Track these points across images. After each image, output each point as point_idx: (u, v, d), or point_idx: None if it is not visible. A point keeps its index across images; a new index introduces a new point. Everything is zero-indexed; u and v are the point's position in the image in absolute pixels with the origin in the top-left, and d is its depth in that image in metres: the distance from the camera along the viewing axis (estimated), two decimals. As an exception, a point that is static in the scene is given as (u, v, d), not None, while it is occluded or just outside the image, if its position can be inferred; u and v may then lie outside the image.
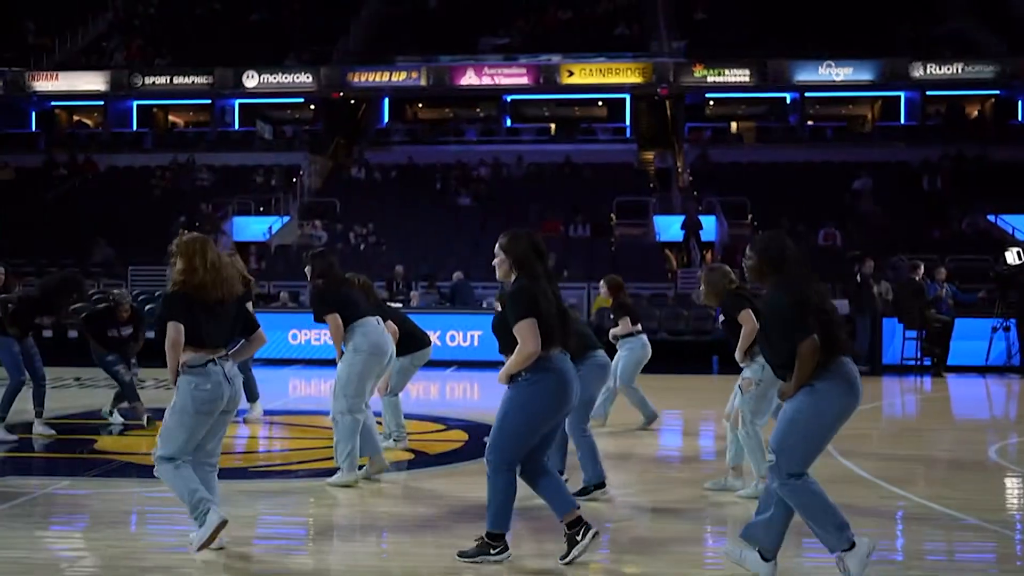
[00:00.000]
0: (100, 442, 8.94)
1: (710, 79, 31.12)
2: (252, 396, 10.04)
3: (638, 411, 9.82)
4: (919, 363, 15.91)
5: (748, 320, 6.55)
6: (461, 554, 5.19)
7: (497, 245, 5.18)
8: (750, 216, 26.13)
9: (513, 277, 5.10)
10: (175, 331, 5.14)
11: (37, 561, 5.36)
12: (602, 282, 9.65)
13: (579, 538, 5.07)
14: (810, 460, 4.70)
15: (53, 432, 9.09)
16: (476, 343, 16.74)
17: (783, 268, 4.73)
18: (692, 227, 24.38)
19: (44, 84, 32.83)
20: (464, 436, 9.10)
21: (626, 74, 31.30)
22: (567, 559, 5.08)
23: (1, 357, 9.14)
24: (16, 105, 34.25)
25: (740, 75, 30.99)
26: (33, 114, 35.13)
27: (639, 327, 9.39)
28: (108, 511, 6.38)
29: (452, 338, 16.67)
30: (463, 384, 14.78)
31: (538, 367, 4.99)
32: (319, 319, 7.19)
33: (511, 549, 5.18)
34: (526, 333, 4.92)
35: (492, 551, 5.11)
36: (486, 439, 5.17)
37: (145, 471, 5.71)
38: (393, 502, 6.76)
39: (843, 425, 4.73)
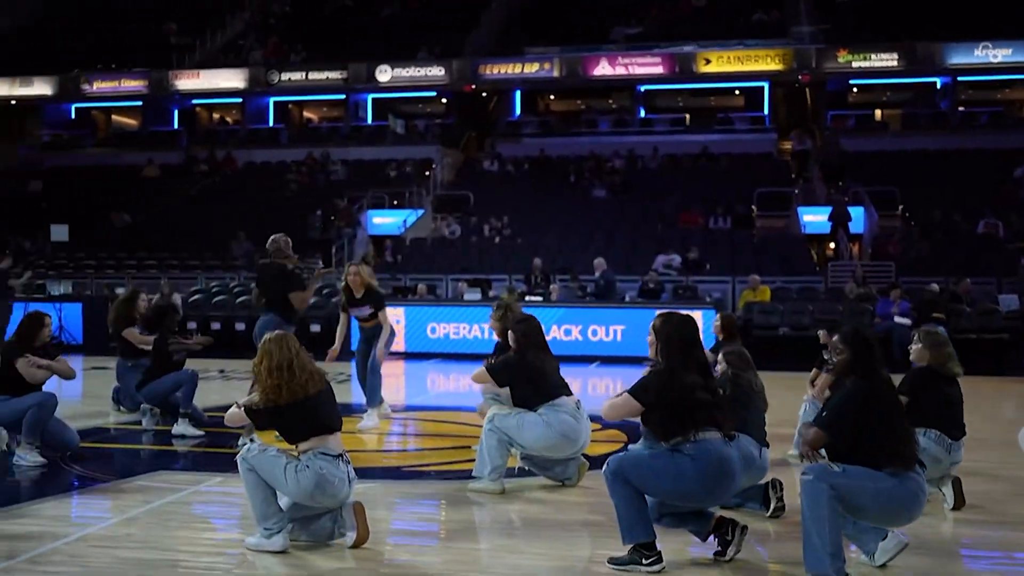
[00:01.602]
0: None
1: (855, 64, 29.74)
2: (372, 401, 9.50)
3: None
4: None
5: None
6: (612, 560, 4.92)
7: (651, 325, 5.13)
8: (900, 207, 24.87)
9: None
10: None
11: (192, 565, 5.08)
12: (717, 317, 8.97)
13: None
14: (854, 505, 4.63)
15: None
16: (619, 338, 16.17)
17: (870, 374, 4.73)
18: (840, 219, 23.24)
19: (186, 83, 33.64)
20: (623, 437, 8.55)
21: (765, 61, 30.19)
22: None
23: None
24: (160, 104, 35.26)
25: (887, 59, 29.51)
26: (176, 112, 36.12)
27: None
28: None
29: (594, 332, 16.15)
30: (606, 381, 14.22)
31: (694, 445, 4.80)
32: (501, 383, 6.78)
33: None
34: (620, 405, 4.97)
35: (644, 560, 4.83)
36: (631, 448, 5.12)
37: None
38: (554, 507, 6.29)
39: None
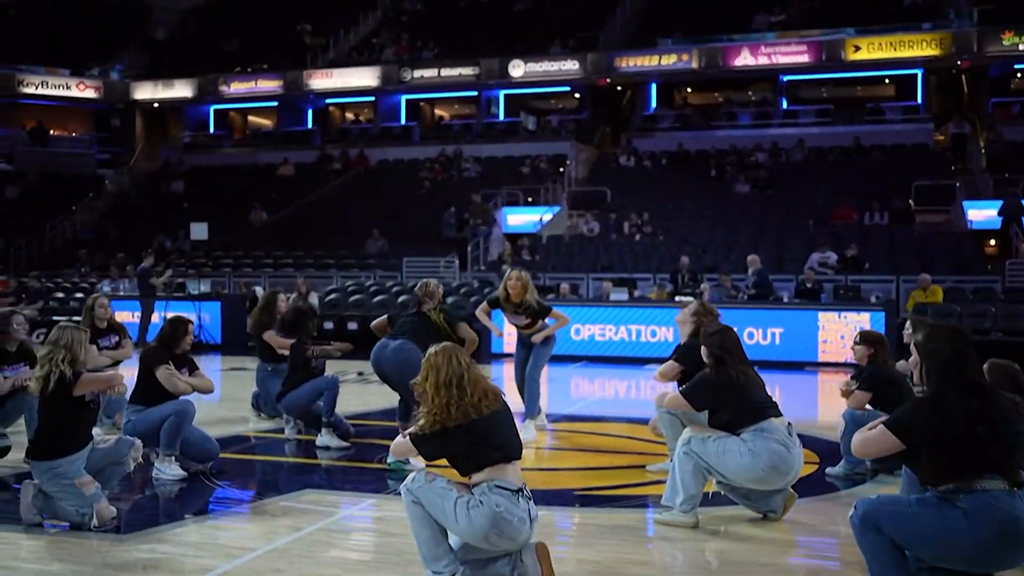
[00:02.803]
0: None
1: (1022, 47, 27.61)
2: (530, 411, 8.75)
3: None
4: None
5: None
6: None
7: (913, 341, 4.40)
8: (1078, 201, 22.84)
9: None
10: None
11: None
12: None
13: None
14: None
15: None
16: (777, 341, 15.04)
17: None
18: (1013, 212, 21.44)
19: (319, 82, 33.69)
20: (814, 457, 7.53)
21: (921, 46, 28.30)
22: None
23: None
24: (294, 104, 35.47)
25: (1060, 40, 27.29)
26: (309, 112, 36.29)
27: None
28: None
29: (750, 335, 15.05)
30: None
31: (971, 496, 3.83)
32: (699, 408, 5.90)
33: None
34: (874, 440, 4.07)
35: None
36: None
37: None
38: (759, 546, 5.37)
39: None
